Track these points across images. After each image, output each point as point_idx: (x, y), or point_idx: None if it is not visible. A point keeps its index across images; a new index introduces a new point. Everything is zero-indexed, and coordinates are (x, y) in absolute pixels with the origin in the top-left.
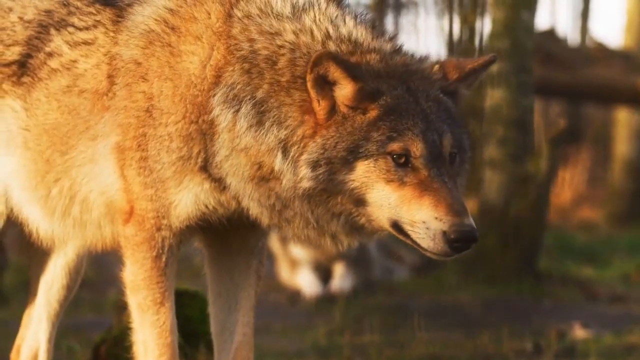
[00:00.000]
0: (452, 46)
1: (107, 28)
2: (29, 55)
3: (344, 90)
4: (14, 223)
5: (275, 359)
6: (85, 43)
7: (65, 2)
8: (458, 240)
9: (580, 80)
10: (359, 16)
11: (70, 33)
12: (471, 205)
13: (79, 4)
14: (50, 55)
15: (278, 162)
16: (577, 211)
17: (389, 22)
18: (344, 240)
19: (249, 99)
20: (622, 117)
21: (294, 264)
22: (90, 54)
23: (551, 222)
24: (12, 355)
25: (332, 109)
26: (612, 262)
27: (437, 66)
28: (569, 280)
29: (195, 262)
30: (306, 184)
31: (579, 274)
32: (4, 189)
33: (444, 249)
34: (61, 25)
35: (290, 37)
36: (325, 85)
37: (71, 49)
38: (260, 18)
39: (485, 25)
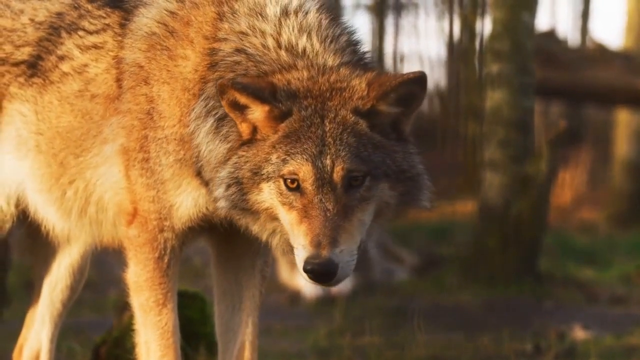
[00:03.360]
0: (452, 47)
1: (115, 32)
2: (39, 57)
3: (255, 113)
4: (21, 223)
5: (275, 359)
6: (95, 47)
7: (76, 5)
8: (309, 272)
9: (580, 81)
10: (325, 27)
11: (81, 37)
12: (470, 206)
13: (89, 7)
14: (61, 58)
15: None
16: (578, 212)
17: (389, 23)
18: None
19: (214, 114)
20: (623, 118)
21: (294, 264)
22: (100, 58)
23: (551, 223)
24: (15, 355)
25: (254, 130)
26: (612, 263)
27: (364, 84)
28: (570, 281)
29: (195, 263)
30: (221, 203)
31: (580, 275)
32: (15, 192)
33: (306, 277)
34: (72, 28)
35: (257, 40)
36: (241, 108)
37: (82, 53)
38: (246, 17)
39: (485, 26)
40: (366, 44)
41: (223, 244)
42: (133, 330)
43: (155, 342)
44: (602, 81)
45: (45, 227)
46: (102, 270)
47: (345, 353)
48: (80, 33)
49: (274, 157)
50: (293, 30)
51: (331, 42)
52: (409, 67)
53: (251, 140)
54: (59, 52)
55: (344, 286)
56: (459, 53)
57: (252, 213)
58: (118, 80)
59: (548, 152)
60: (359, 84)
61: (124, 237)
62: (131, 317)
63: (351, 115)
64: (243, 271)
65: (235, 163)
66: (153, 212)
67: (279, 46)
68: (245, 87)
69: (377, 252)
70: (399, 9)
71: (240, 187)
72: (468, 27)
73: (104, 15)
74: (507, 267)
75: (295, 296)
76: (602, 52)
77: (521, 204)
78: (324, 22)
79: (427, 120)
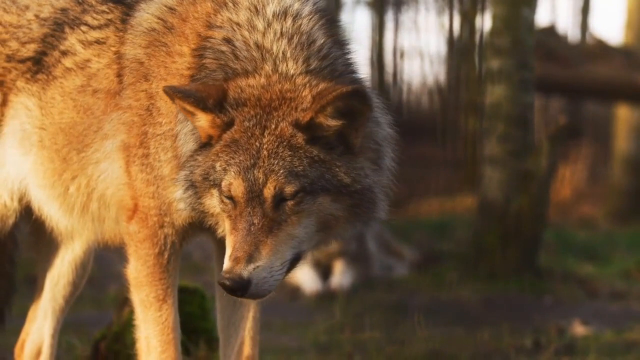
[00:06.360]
0: (452, 43)
1: (116, 27)
2: (44, 53)
3: (201, 121)
4: (27, 218)
5: (275, 355)
6: (98, 42)
7: (80, 0)
8: (221, 285)
9: (580, 77)
10: (305, 32)
11: (83, 32)
12: (470, 201)
13: (93, 1)
14: (64, 53)
15: None
16: (577, 208)
17: (389, 19)
18: None
19: None
20: (623, 113)
21: None
22: (102, 53)
23: (551, 219)
24: (17, 349)
25: (210, 135)
26: (612, 259)
27: (310, 95)
28: (569, 277)
29: (195, 259)
30: (180, 205)
31: (579, 271)
32: (18, 187)
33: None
34: (75, 23)
35: (247, 34)
36: (191, 114)
37: (84, 48)
38: (246, 10)
39: (485, 22)
40: (358, 45)
41: (224, 239)
42: (133, 325)
43: (155, 337)
44: (602, 77)
45: (49, 223)
46: (102, 266)
47: (345, 348)
48: (83, 28)
49: (217, 165)
50: (276, 33)
51: (302, 48)
52: (409, 63)
53: (207, 144)
54: (62, 48)
55: (344, 282)
56: (459, 49)
57: (212, 216)
58: (119, 75)
59: (548, 147)
60: (307, 95)
61: (125, 233)
62: (131, 312)
63: (290, 128)
64: None
65: (191, 166)
66: (153, 208)
67: (258, 46)
68: (187, 95)
69: (377, 248)
70: (399, 5)
71: (196, 191)
72: (468, 23)
73: (107, 10)
74: (506, 262)
75: (295, 291)
76: (602, 48)
77: (521, 200)
78: (306, 27)
79: (427, 116)
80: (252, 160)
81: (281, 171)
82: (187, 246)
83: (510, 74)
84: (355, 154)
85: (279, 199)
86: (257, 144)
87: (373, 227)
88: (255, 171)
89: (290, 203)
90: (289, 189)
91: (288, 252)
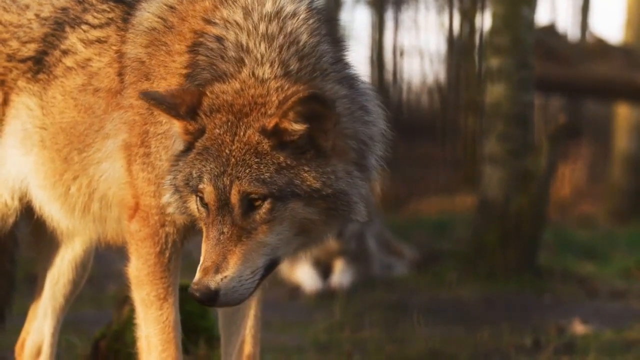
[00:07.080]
0: (452, 42)
1: (118, 26)
2: (44, 52)
3: (175, 127)
4: (26, 218)
5: (275, 354)
6: (99, 41)
7: (80, 0)
8: (192, 296)
9: (580, 76)
10: (288, 34)
11: (84, 31)
12: (470, 200)
13: (93, 0)
14: (65, 53)
15: None
16: (577, 207)
17: (389, 18)
18: None
19: None
20: (622, 112)
21: (293, 259)
22: (104, 52)
23: (551, 217)
24: (17, 348)
25: (187, 141)
26: (612, 258)
27: (277, 100)
28: (569, 276)
29: (195, 257)
30: (170, 209)
31: (579, 270)
32: (19, 186)
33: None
34: (76, 22)
35: (240, 32)
36: (169, 119)
37: (85, 47)
38: (242, 8)
39: (485, 21)
40: (358, 44)
41: None
42: (133, 324)
43: (156, 336)
44: (602, 75)
45: (49, 223)
46: (102, 265)
47: (345, 347)
48: (84, 27)
49: (193, 172)
50: (260, 35)
51: (282, 50)
52: (409, 62)
53: (188, 149)
54: (63, 47)
55: (344, 281)
56: (459, 47)
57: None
58: (120, 74)
59: (548, 146)
60: (275, 100)
61: (126, 232)
62: (131, 311)
63: (256, 135)
64: None
65: (174, 171)
66: (154, 207)
67: (243, 47)
68: (160, 102)
69: (377, 247)
70: (399, 4)
71: (180, 195)
72: (468, 22)
73: (108, 9)
74: (506, 261)
75: (295, 291)
76: (601, 47)
77: (521, 199)
78: (291, 28)
79: (427, 115)
80: (221, 168)
81: (247, 178)
82: (188, 245)
83: (510, 73)
84: (327, 156)
85: (247, 206)
86: (227, 151)
87: (371, 225)
88: (224, 178)
89: (261, 211)
90: (254, 195)
91: (260, 260)
